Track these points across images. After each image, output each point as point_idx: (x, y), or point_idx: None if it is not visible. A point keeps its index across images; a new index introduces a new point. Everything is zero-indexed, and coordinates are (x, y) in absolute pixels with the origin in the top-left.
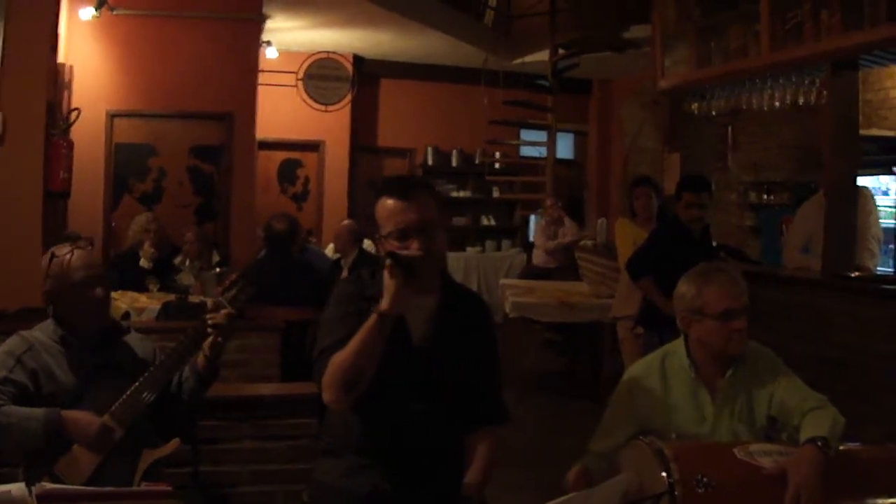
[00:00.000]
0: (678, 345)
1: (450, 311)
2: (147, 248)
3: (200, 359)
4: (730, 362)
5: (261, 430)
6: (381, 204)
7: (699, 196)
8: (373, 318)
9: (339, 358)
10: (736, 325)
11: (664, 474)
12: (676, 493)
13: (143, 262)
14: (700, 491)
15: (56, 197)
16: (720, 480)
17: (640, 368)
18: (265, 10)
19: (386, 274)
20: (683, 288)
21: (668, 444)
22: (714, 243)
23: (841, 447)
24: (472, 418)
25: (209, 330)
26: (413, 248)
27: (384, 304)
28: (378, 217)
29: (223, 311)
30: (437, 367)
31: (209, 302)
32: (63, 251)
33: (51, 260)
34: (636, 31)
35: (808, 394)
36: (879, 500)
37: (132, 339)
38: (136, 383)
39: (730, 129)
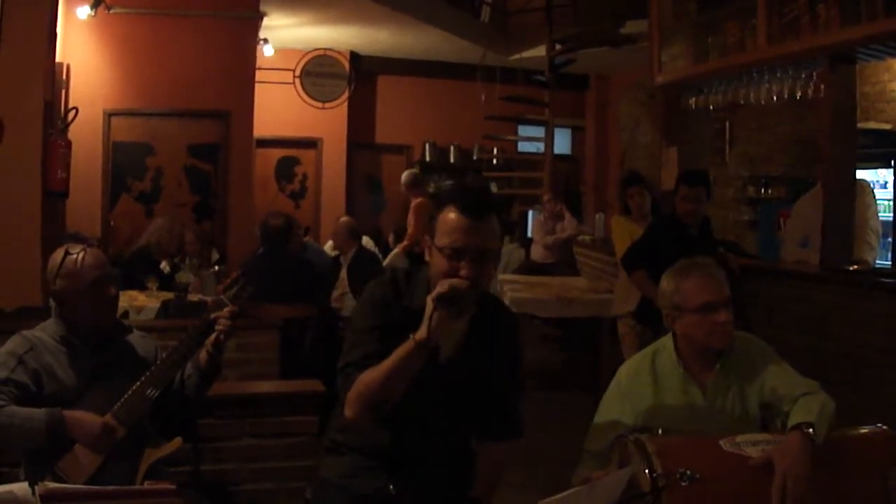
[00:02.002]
0: (667, 341)
1: (480, 325)
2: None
3: (203, 355)
4: (717, 356)
5: (261, 428)
6: (447, 213)
7: (694, 189)
8: (409, 344)
9: (369, 378)
10: (717, 317)
11: (647, 470)
12: (660, 486)
13: (163, 266)
14: (684, 484)
15: (54, 196)
16: (705, 473)
17: (630, 367)
18: (262, 7)
19: (428, 301)
20: (664, 285)
21: (652, 440)
22: None
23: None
24: (487, 431)
25: (217, 327)
26: (463, 272)
27: (423, 332)
28: (438, 224)
29: (227, 309)
30: (459, 378)
31: (209, 300)
32: (76, 249)
33: (64, 258)
34: (633, 27)
35: (799, 380)
36: (865, 482)
37: (133, 338)
38: (138, 382)
39: (727, 123)
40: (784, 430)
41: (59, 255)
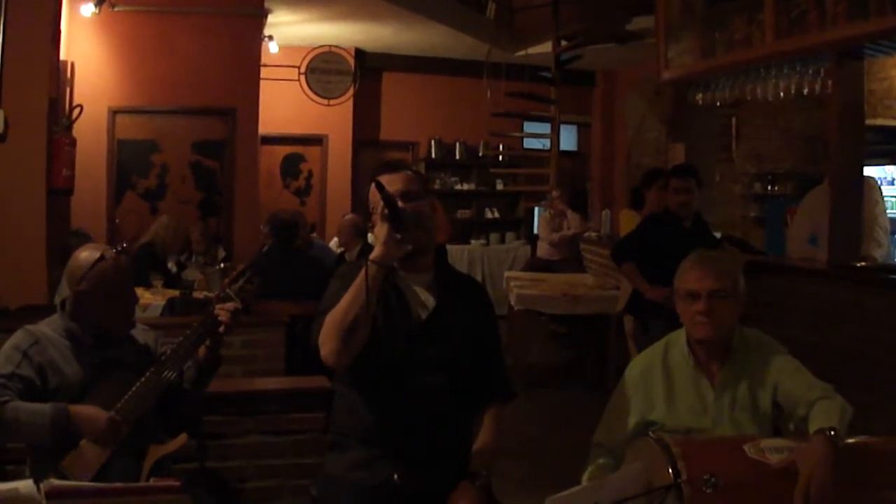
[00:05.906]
0: (679, 335)
1: (447, 289)
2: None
3: (201, 349)
4: (726, 350)
5: (266, 425)
6: (372, 189)
7: (685, 181)
8: (368, 267)
9: (335, 310)
10: (695, 307)
11: (671, 472)
12: (684, 492)
13: (171, 266)
14: (708, 491)
15: (59, 194)
16: (729, 479)
17: (642, 360)
18: (266, 4)
19: (378, 222)
20: (677, 272)
21: (677, 441)
22: (718, 234)
23: (852, 440)
24: (478, 396)
25: (220, 318)
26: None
27: (377, 250)
28: (371, 202)
29: (228, 306)
30: (440, 343)
31: (214, 294)
32: (110, 254)
33: (96, 263)
34: (639, 23)
35: (814, 383)
36: (891, 493)
37: (136, 331)
38: (142, 378)
39: (734, 119)
40: (800, 435)
41: (89, 256)
